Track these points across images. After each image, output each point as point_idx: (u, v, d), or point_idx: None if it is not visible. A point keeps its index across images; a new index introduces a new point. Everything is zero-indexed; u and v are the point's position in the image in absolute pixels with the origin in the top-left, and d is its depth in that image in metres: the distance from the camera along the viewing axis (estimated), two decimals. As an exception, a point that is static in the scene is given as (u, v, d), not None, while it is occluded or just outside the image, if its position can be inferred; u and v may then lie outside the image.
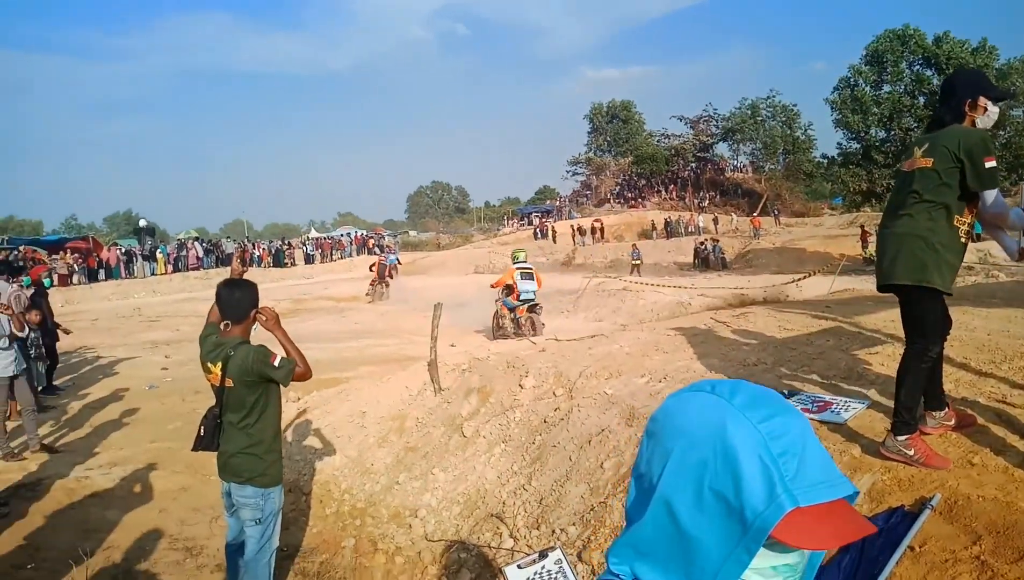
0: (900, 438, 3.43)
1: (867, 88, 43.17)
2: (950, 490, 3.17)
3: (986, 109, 3.47)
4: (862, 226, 31.85)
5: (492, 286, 13.80)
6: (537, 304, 12.70)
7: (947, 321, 3.57)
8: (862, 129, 42.47)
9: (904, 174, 3.61)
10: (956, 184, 3.38)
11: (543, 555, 3.57)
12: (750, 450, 0.87)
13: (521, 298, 12.61)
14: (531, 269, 13.19)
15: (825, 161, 49.83)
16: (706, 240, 35.77)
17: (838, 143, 46.03)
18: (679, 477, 0.91)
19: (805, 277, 13.62)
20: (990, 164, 3.33)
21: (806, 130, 55.56)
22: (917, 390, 3.49)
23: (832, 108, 44.24)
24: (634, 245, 33.99)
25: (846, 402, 4.28)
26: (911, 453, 3.40)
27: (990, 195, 3.39)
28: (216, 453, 4.08)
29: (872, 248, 27.60)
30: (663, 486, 0.92)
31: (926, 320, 3.50)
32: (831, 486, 0.87)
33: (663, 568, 0.92)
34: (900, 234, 3.52)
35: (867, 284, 12.22)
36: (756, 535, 0.85)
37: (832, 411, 4.14)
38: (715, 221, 45.72)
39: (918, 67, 42.38)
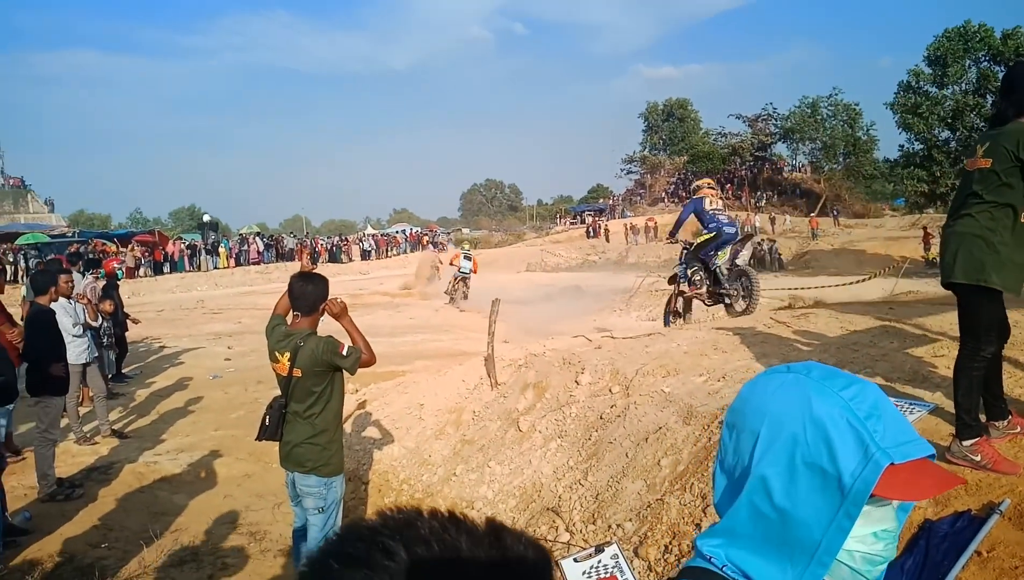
0: (966, 443, 3.37)
1: (930, 88, 41.76)
2: (1020, 496, 3.10)
3: None
4: (924, 228, 30.88)
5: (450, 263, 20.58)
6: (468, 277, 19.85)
7: (1004, 324, 3.49)
8: (924, 130, 41.11)
9: (967, 173, 3.55)
10: (1019, 183, 3.30)
11: (599, 549, 3.59)
12: (837, 416, 0.90)
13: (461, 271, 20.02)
14: (471, 255, 20.55)
15: (888, 164, 48.40)
16: (762, 240, 35.17)
17: (900, 145, 44.71)
18: (770, 455, 0.93)
19: (864, 280, 13.30)
20: None
21: (868, 130, 54.04)
22: (973, 391, 3.43)
23: (893, 112, 42.96)
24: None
25: (910, 405, 4.17)
26: (978, 458, 3.33)
27: None
28: (279, 442, 4.19)
29: (935, 250, 26.82)
30: (755, 468, 0.94)
31: (980, 320, 3.44)
32: (916, 444, 0.90)
33: (761, 551, 0.94)
34: (960, 233, 3.47)
35: (930, 286, 11.90)
36: (856, 498, 0.87)
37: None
38: (772, 221, 44.86)
39: (984, 64, 40.83)
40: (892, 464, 0.87)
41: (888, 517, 0.93)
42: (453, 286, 20.52)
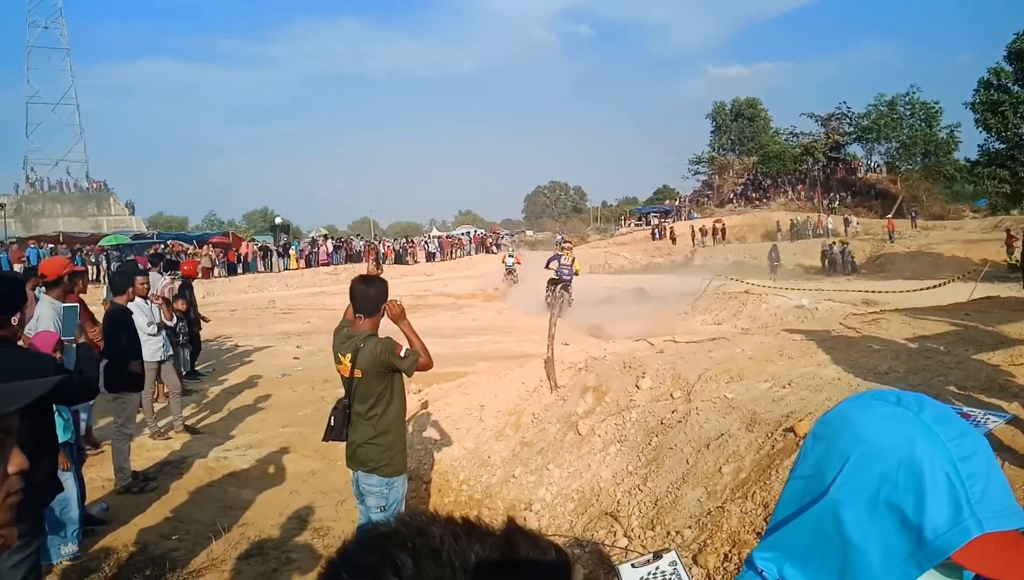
0: None
1: (1011, 86, 39.84)
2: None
3: None
4: (1007, 230, 29.50)
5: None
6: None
7: None
8: (1003, 129, 39.24)
9: None
10: None
11: (657, 556, 3.55)
12: (939, 468, 0.85)
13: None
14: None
15: (968, 164, 46.44)
16: (834, 242, 34.23)
17: (979, 145, 42.80)
18: (854, 484, 0.90)
19: (941, 285, 12.79)
20: None
21: (952, 131, 51.90)
22: None
23: (973, 111, 41.18)
24: (774, 245, 33.15)
25: (985, 415, 4.00)
26: None
27: None
28: (345, 442, 4.28)
29: (1019, 253, 25.62)
30: (834, 491, 0.91)
31: None
32: (1013, 515, 0.85)
33: (814, 572, 0.92)
34: None
35: (1011, 291, 11.37)
36: (933, 554, 0.83)
37: (969, 423, 3.91)
38: (845, 223, 43.60)
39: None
40: (983, 534, 0.83)
41: (955, 575, 0.88)
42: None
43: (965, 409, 4.28)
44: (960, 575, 0.89)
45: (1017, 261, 23.13)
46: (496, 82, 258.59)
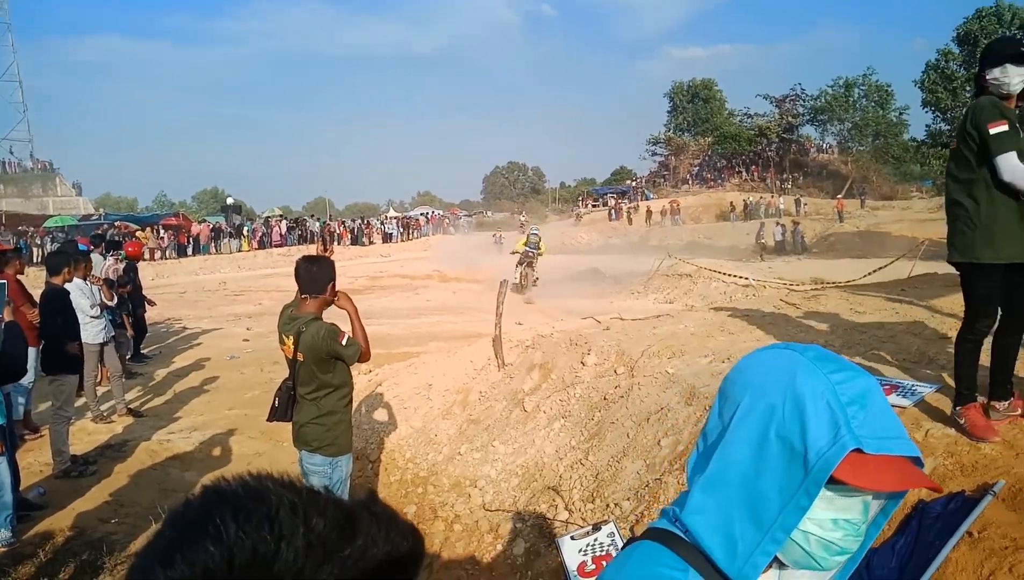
0: (956, 408, 3.50)
1: (959, 69, 40.92)
2: (1016, 477, 3.07)
3: (996, 79, 3.40)
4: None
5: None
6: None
7: (995, 299, 3.49)
8: (951, 106, 40.35)
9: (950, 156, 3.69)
10: (982, 157, 3.37)
11: (596, 528, 3.62)
12: (818, 395, 0.90)
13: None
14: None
15: (915, 144, 47.62)
16: (785, 222, 34.85)
17: (926, 125, 43.95)
18: (746, 423, 0.94)
19: (882, 268, 13.13)
20: (995, 129, 3.28)
21: (901, 114, 53.06)
22: (965, 363, 3.53)
23: (921, 88, 42.19)
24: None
25: (913, 386, 4.16)
26: (962, 422, 3.45)
27: (1002, 161, 3.30)
28: (290, 423, 4.26)
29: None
30: (729, 434, 0.95)
31: (974, 296, 3.55)
32: (897, 441, 0.90)
33: (718, 520, 0.94)
34: (951, 215, 3.59)
35: (949, 269, 11.68)
36: (817, 476, 0.87)
37: (899, 394, 4.03)
38: (797, 203, 44.35)
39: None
40: (861, 452, 0.87)
41: (854, 508, 0.92)
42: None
43: (894, 380, 4.41)
44: (861, 511, 0.93)
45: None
46: (457, 62, 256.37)
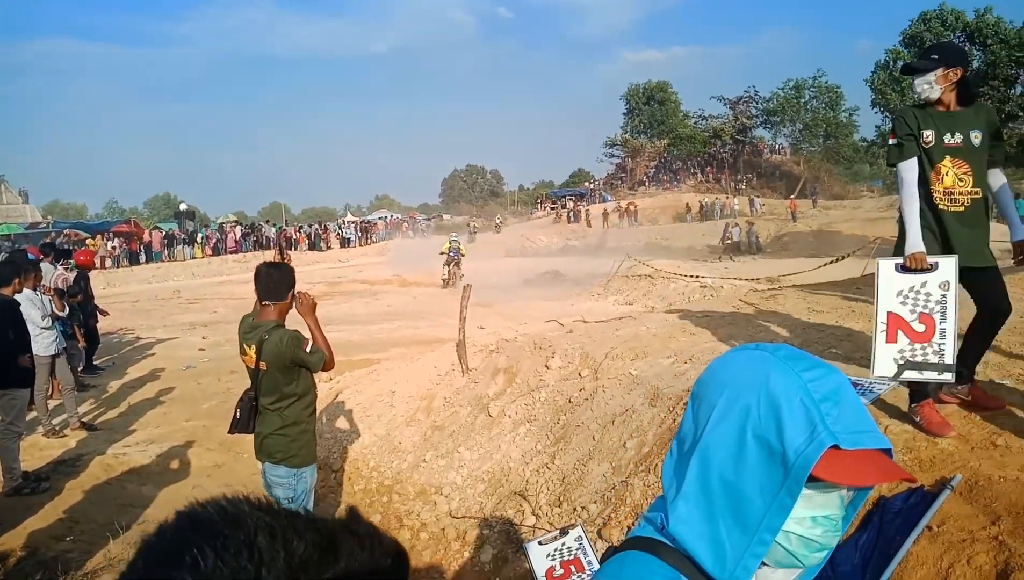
0: (912, 405, 3.60)
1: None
2: (972, 471, 3.14)
3: (913, 89, 3.60)
4: (900, 209, 31.17)
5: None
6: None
7: (992, 301, 3.58)
8: (900, 106, 41.52)
9: None
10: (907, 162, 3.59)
11: (564, 532, 3.61)
12: (792, 394, 0.90)
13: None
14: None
15: (865, 144, 48.86)
16: (739, 223, 35.41)
17: (876, 126, 45.14)
18: (723, 426, 0.94)
19: (835, 261, 13.44)
20: (891, 141, 3.59)
21: (851, 115, 54.32)
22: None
23: (871, 89, 43.31)
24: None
25: (871, 383, 4.24)
26: (918, 419, 3.54)
27: (899, 173, 3.62)
28: (252, 434, 4.17)
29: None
30: (705, 437, 0.95)
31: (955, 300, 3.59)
32: (870, 434, 0.91)
33: (703, 526, 0.93)
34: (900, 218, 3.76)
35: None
36: (798, 475, 0.87)
37: (857, 391, 4.10)
38: (751, 203, 45.14)
39: (960, 43, 41.27)
40: (837, 448, 0.87)
41: (832, 504, 0.93)
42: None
43: (854, 378, 4.50)
44: (839, 507, 0.94)
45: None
46: (414, 64, 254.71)
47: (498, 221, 49.48)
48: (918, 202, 3.56)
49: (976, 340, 3.66)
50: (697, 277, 15.79)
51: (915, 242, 3.50)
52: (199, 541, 0.56)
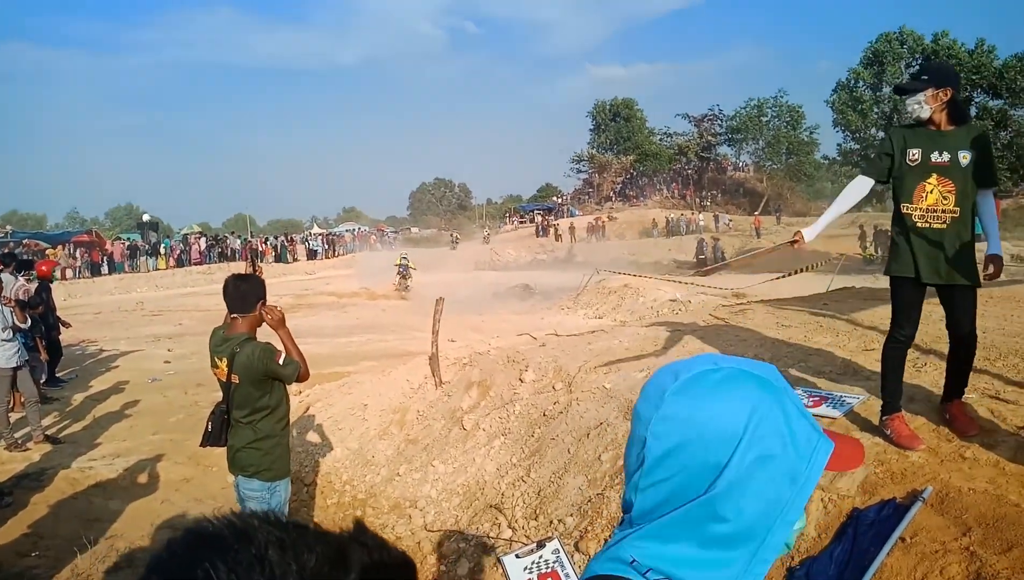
0: (883, 418, 3.70)
1: (866, 90, 43.19)
2: (942, 483, 3.22)
3: (904, 109, 3.80)
4: (861, 226, 31.84)
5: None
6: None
7: (905, 311, 3.73)
8: (861, 128, 42.52)
9: None
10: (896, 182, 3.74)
11: (541, 545, 3.62)
12: (785, 402, 0.90)
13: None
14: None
15: (827, 162, 49.92)
16: (704, 238, 35.86)
17: (838, 144, 46.17)
18: (712, 452, 0.87)
19: (798, 272, 13.71)
20: (871, 154, 3.76)
21: (812, 133, 55.40)
22: (888, 371, 3.75)
23: (832, 109, 44.30)
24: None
25: (841, 397, 4.33)
26: (888, 432, 3.62)
27: (854, 178, 3.91)
28: (223, 448, 4.12)
29: (871, 248, 27.61)
30: (690, 468, 0.88)
31: (893, 305, 3.77)
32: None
33: (695, 553, 0.88)
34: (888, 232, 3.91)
35: (865, 282, 12.28)
36: (807, 486, 0.88)
37: (828, 405, 4.20)
38: (716, 220, 45.76)
39: (917, 66, 42.41)
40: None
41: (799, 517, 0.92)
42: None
43: (823, 392, 4.59)
44: (803, 523, 0.94)
45: (871, 255, 25.02)
46: (381, 76, 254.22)
47: (486, 233, 51.02)
48: (843, 208, 3.86)
49: (950, 364, 3.77)
50: (690, 282, 15.96)
51: (810, 233, 3.90)
52: (211, 556, 0.56)
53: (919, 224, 3.60)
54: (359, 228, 56.41)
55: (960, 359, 3.71)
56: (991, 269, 3.53)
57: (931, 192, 3.57)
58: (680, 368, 0.94)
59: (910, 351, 5.84)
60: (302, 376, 4.08)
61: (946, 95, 3.54)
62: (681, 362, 0.95)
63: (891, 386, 3.72)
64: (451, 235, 36.33)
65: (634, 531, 0.92)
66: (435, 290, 12.53)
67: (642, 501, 0.91)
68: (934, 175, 3.56)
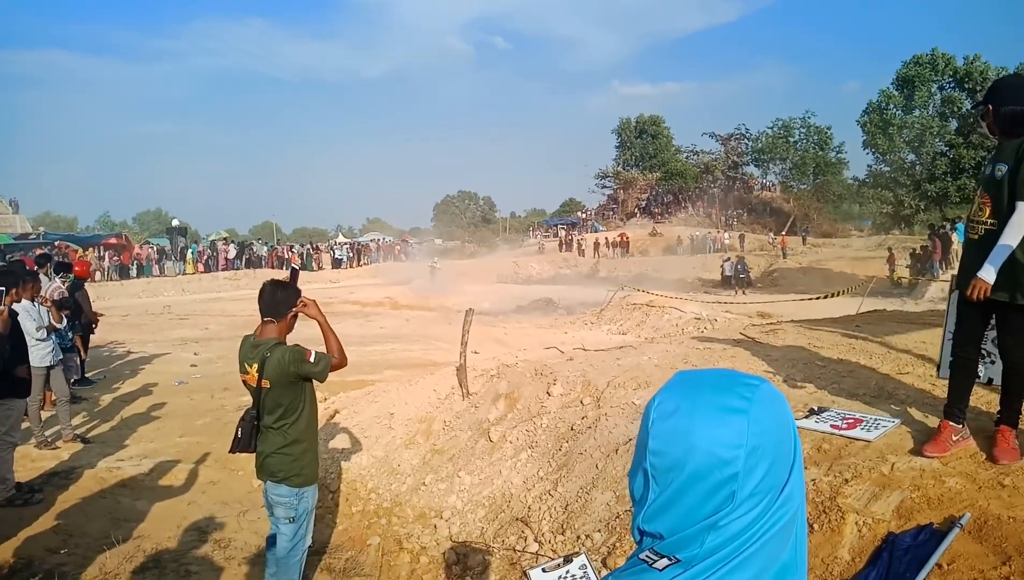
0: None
1: (897, 112, 42.82)
2: (980, 510, 3.15)
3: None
4: (890, 249, 31.50)
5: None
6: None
7: (965, 322, 3.68)
8: (890, 151, 42.12)
9: None
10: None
11: (568, 560, 3.60)
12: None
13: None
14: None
15: (856, 183, 49.49)
16: (730, 257, 35.66)
17: (868, 165, 45.78)
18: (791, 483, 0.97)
19: (827, 296, 13.55)
20: None
21: (839, 152, 55.02)
22: (954, 383, 3.74)
23: (863, 130, 43.97)
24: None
25: (876, 420, 4.26)
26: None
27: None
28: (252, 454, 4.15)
29: (899, 271, 27.33)
30: (782, 497, 0.94)
31: (956, 321, 3.77)
32: None
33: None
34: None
35: (894, 306, 12.15)
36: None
37: (862, 428, 4.13)
38: (741, 239, 45.49)
39: (949, 89, 41.99)
40: None
41: None
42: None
43: (857, 414, 4.52)
44: None
45: (899, 278, 24.79)
46: (408, 89, 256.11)
47: (540, 245, 53.53)
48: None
49: (1002, 389, 3.70)
50: (721, 302, 15.88)
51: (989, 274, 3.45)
52: None
53: (968, 234, 3.63)
54: (383, 238, 56.73)
55: (1009, 387, 3.63)
56: (973, 289, 3.48)
57: (977, 204, 3.60)
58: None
59: (908, 353, 5.80)
60: (337, 365, 4.12)
61: (995, 110, 3.54)
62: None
63: (952, 393, 3.75)
64: (432, 260, 37.01)
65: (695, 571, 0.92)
66: (461, 303, 12.56)
67: (716, 537, 0.92)
68: (982, 187, 3.61)
